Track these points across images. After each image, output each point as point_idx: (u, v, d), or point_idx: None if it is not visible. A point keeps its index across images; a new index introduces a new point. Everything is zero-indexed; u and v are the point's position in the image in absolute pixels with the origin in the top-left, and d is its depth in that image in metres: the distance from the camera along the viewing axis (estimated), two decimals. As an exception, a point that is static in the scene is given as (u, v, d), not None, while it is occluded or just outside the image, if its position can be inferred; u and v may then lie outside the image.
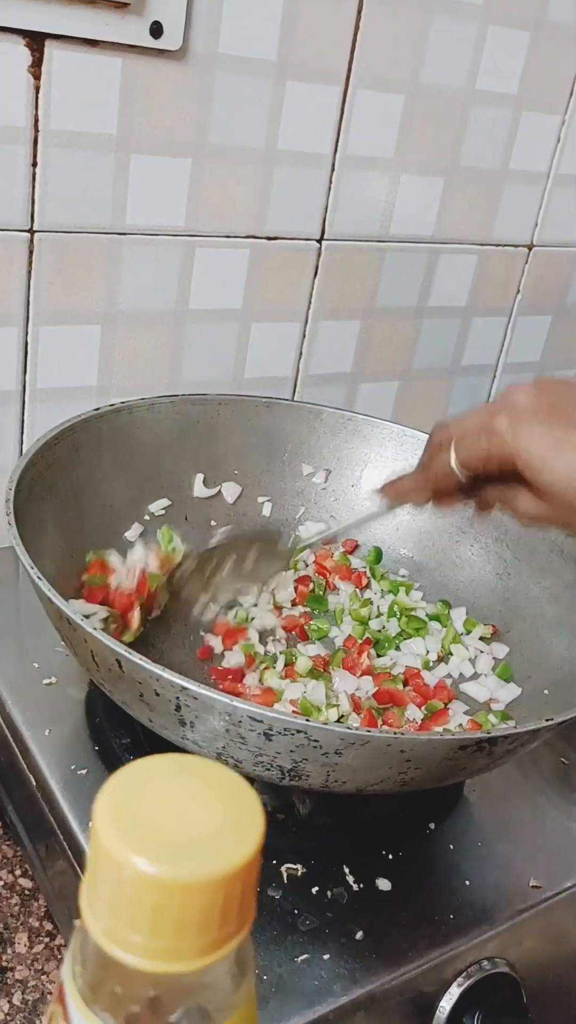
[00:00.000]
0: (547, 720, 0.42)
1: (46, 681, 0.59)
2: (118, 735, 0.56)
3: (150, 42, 0.63)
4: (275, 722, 0.40)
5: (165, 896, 0.21)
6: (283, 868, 0.51)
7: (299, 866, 0.51)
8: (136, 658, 0.41)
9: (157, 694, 0.42)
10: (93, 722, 0.57)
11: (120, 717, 0.56)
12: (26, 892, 0.59)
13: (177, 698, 0.41)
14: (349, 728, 0.40)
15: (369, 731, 0.39)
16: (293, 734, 0.40)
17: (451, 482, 0.50)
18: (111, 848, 0.21)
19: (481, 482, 0.50)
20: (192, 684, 0.40)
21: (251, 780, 0.50)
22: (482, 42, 0.76)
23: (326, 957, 0.46)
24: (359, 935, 0.48)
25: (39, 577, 0.46)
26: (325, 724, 0.39)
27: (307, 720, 0.39)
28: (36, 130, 0.62)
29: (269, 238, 0.75)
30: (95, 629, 0.43)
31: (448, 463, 0.49)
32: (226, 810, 0.22)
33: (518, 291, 0.91)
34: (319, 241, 0.77)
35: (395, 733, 0.40)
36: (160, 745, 0.50)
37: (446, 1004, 0.48)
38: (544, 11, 0.78)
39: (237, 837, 0.22)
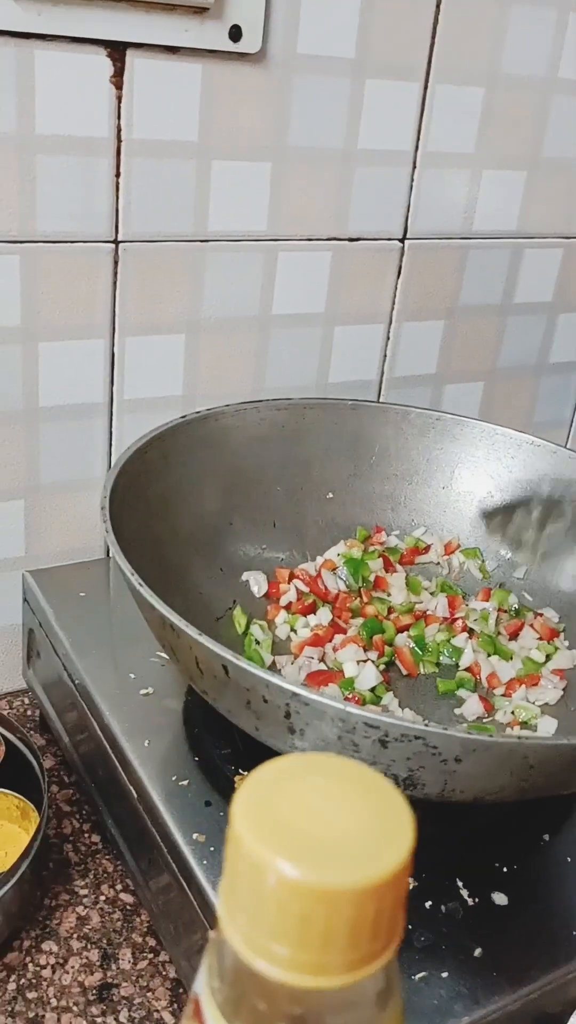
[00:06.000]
0: None
1: (143, 692, 0.59)
2: (218, 745, 0.55)
3: (229, 46, 0.62)
4: (392, 728, 0.38)
5: (312, 904, 0.19)
6: (394, 882, 0.49)
7: (411, 879, 0.49)
8: (244, 663, 0.40)
9: (265, 701, 0.41)
10: (192, 732, 0.56)
11: (219, 727, 0.55)
12: (128, 907, 0.58)
13: (287, 704, 0.40)
14: (470, 734, 0.38)
15: (492, 736, 0.38)
16: (411, 740, 0.38)
17: None
18: (251, 851, 0.19)
19: None
20: (304, 690, 0.39)
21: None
22: (563, 29, 0.74)
23: (444, 975, 0.44)
24: (477, 952, 0.46)
25: (140, 584, 0.45)
26: (445, 730, 0.38)
27: (426, 726, 0.38)
28: (119, 140, 0.62)
29: (351, 239, 0.73)
30: (200, 634, 0.42)
31: None
32: (370, 811, 0.21)
33: (606, 284, 0.88)
34: (402, 240, 0.76)
35: (519, 739, 0.38)
36: (260, 755, 0.49)
37: (573, 1025, 0.46)
38: (627, -7, 0.75)
39: (385, 841, 0.20)
